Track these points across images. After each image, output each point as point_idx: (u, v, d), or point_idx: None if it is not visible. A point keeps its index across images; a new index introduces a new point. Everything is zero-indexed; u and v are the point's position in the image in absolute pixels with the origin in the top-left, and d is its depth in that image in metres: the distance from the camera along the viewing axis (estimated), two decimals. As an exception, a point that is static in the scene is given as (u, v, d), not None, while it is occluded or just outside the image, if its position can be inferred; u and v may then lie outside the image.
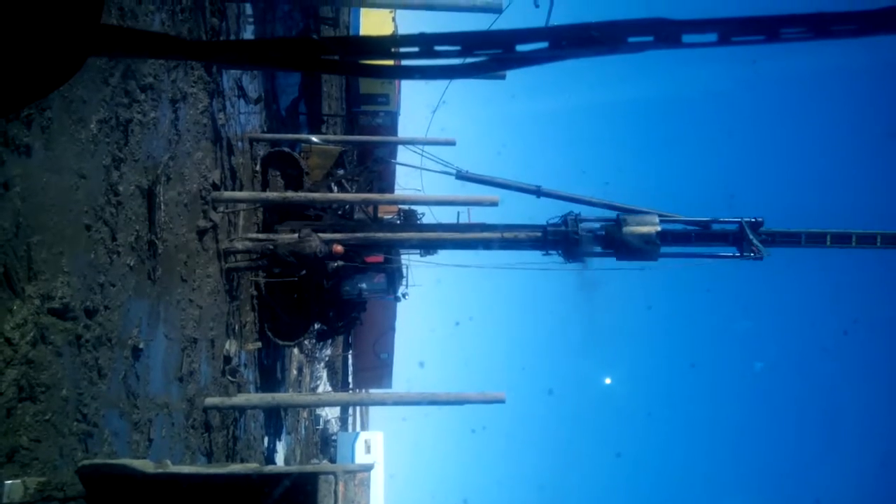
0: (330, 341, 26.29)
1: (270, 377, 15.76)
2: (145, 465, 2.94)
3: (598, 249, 13.31)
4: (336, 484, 3.00)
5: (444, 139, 13.91)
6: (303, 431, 24.54)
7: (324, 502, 2.96)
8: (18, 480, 2.82)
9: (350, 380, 36.06)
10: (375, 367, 36.34)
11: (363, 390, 32.88)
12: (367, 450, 26.33)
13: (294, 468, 3.18)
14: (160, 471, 2.94)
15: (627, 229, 12.66)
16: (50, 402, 4.96)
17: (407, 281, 17.24)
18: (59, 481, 2.84)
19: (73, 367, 5.41)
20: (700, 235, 13.41)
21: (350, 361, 36.38)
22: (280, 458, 17.69)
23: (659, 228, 12.74)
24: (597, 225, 13.31)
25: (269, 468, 3.14)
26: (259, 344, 13.55)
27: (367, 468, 3.07)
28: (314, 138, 16.03)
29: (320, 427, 30.57)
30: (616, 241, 12.83)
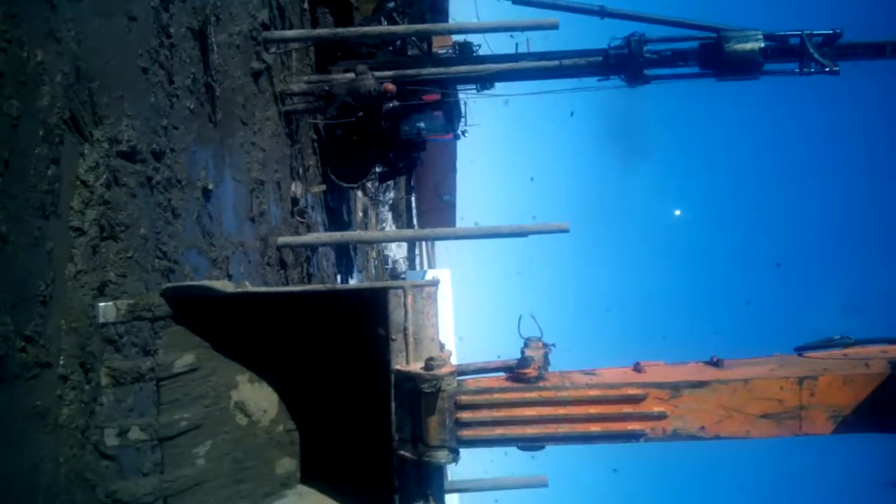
0: (392, 183, 26.59)
1: (337, 219, 16.18)
2: (225, 286, 3.10)
3: (696, 70, 12.88)
4: (405, 297, 3.11)
5: (497, -40, 13.07)
6: (373, 270, 25.53)
7: (395, 313, 3.09)
8: (110, 302, 3.02)
9: (414, 222, 36.70)
10: (439, 209, 36.79)
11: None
12: (435, 286, 27.16)
13: (365, 284, 3.31)
14: (240, 290, 3.10)
15: (730, 46, 12.05)
16: (130, 240, 5.23)
17: (466, 119, 16.94)
18: (148, 302, 3.04)
19: (148, 207, 5.64)
20: (775, 51, 12.69)
21: (413, 204, 36.83)
22: (353, 295, 18.48)
23: (763, 45, 12.12)
24: (688, 45, 12.74)
25: (342, 286, 3.28)
26: (324, 186, 13.80)
27: (434, 283, 3.19)
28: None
29: (389, 266, 31.66)
30: (718, 59, 12.30)
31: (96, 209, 4.79)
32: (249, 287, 3.21)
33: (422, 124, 14.45)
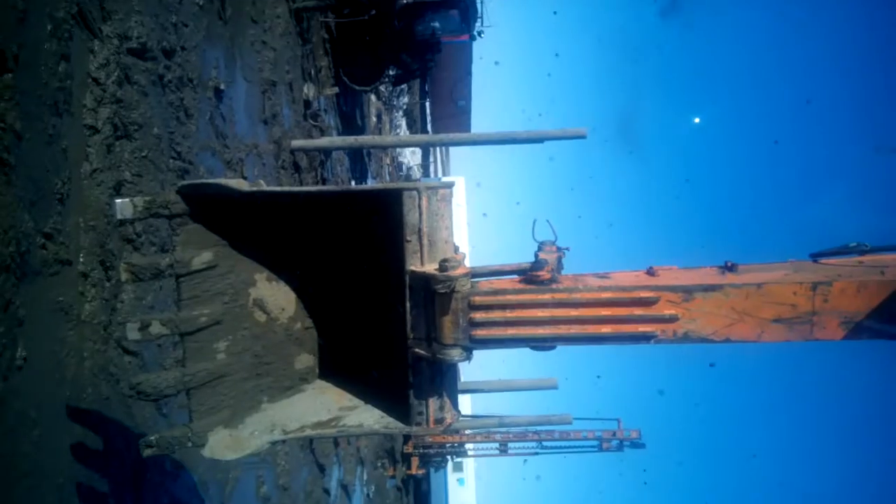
0: (406, 87, 26.13)
1: (351, 123, 16.00)
2: (241, 184, 3.08)
3: None
4: (420, 198, 3.09)
5: None
6: (387, 177, 25.43)
7: (409, 215, 3.09)
8: (127, 199, 3.03)
9: (429, 128, 36.28)
10: (454, 115, 36.30)
11: (442, 136, 33.12)
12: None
13: (379, 185, 3.29)
14: (255, 189, 3.09)
15: None
16: (144, 139, 5.21)
17: (482, 19, 16.41)
18: (164, 200, 3.04)
19: (161, 106, 5.58)
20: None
21: (428, 110, 36.31)
22: (366, 200, 18.49)
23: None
24: None
25: (357, 187, 3.26)
26: (336, 89, 13.56)
27: (448, 185, 3.17)
28: None
29: (403, 173, 31.55)
30: None
31: (109, 107, 4.75)
32: (264, 186, 3.20)
33: (436, 24, 14.00)
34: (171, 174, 5.63)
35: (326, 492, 12.04)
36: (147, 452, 3.12)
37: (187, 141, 6.02)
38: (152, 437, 3.12)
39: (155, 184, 5.31)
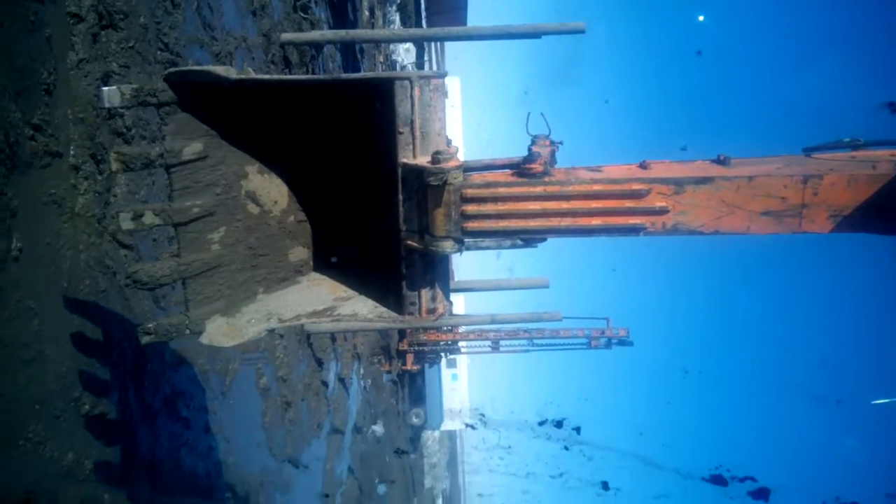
0: (401, -20, 25.18)
1: (343, 18, 15.50)
2: (229, 71, 3.01)
3: None
4: (412, 89, 3.05)
5: None
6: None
7: (401, 105, 3.05)
8: (114, 87, 2.97)
9: (424, 24, 35.22)
10: (450, 10, 35.15)
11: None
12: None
13: (370, 74, 3.22)
14: (243, 77, 3.03)
15: None
16: (130, 29, 5.06)
17: None
18: (151, 87, 2.98)
19: (145, -6, 5.40)
20: None
21: (423, 5, 35.13)
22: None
23: None
24: None
25: (347, 75, 3.19)
26: (327, -19, 13.07)
27: (441, 75, 3.10)
28: None
29: (397, 70, 30.82)
30: None
31: (91, -6, 4.59)
32: (253, 74, 3.13)
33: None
34: (159, 66, 5.50)
35: (324, 384, 12.43)
36: (145, 339, 3.19)
37: (174, 32, 5.85)
38: (150, 325, 3.18)
39: (143, 76, 5.20)
